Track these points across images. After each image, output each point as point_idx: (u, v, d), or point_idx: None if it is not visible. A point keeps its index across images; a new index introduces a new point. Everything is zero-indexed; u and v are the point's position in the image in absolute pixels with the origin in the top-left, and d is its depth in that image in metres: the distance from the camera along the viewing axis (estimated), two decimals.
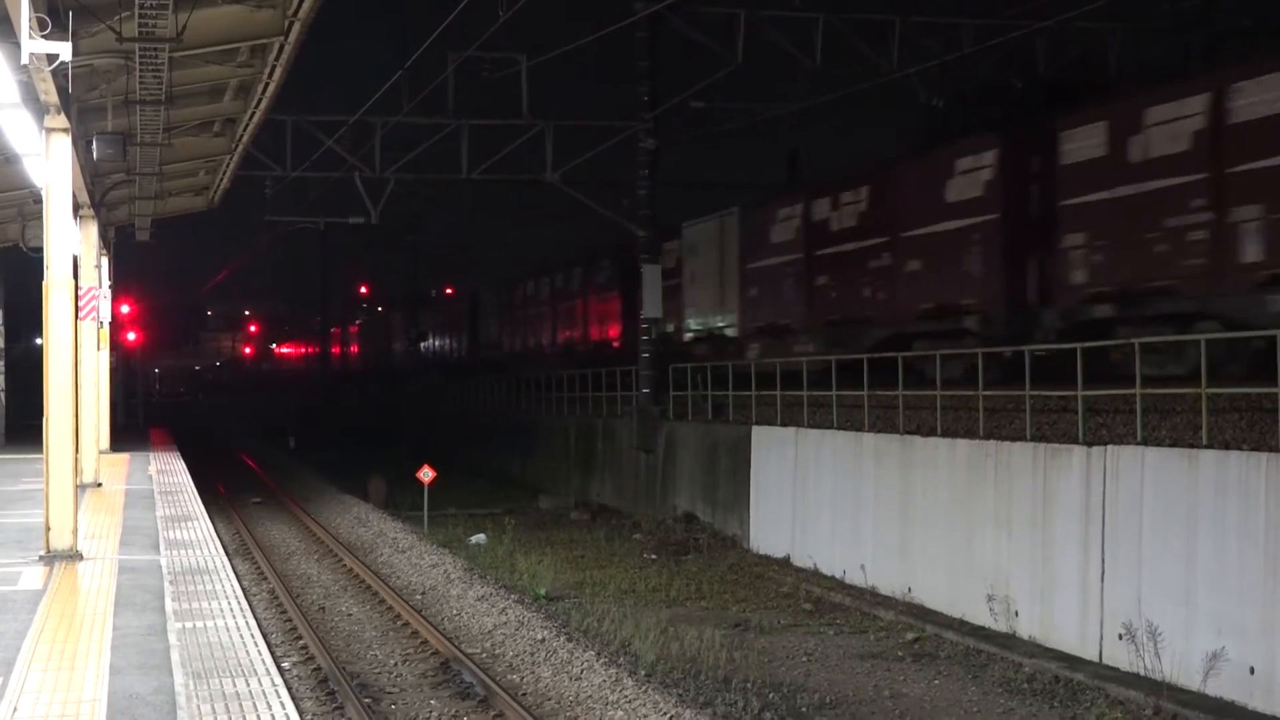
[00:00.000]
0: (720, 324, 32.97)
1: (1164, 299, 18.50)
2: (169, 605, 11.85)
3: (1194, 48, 26.42)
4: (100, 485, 22.89)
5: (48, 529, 14.30)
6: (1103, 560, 15.65)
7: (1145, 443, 15.40)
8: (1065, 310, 20.56)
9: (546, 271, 48.65)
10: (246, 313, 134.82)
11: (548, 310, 48.23)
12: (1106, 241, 19.77)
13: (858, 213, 26.87)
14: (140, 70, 14.53)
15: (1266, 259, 16.80)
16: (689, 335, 34.60)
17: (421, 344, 66.13)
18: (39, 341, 16.45)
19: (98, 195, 23.25)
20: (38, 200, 16.86)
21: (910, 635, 17.74)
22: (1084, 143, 20.25)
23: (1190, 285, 18.10)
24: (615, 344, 40.36)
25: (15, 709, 8.38)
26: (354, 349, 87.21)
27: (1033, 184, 21.63)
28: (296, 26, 15.05)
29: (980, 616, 17.66)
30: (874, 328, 25.67)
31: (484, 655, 16.01)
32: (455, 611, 18.71)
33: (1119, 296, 19.39)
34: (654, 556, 24.81)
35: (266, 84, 18.04)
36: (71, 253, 14.94)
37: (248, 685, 9.31)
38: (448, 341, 63.52)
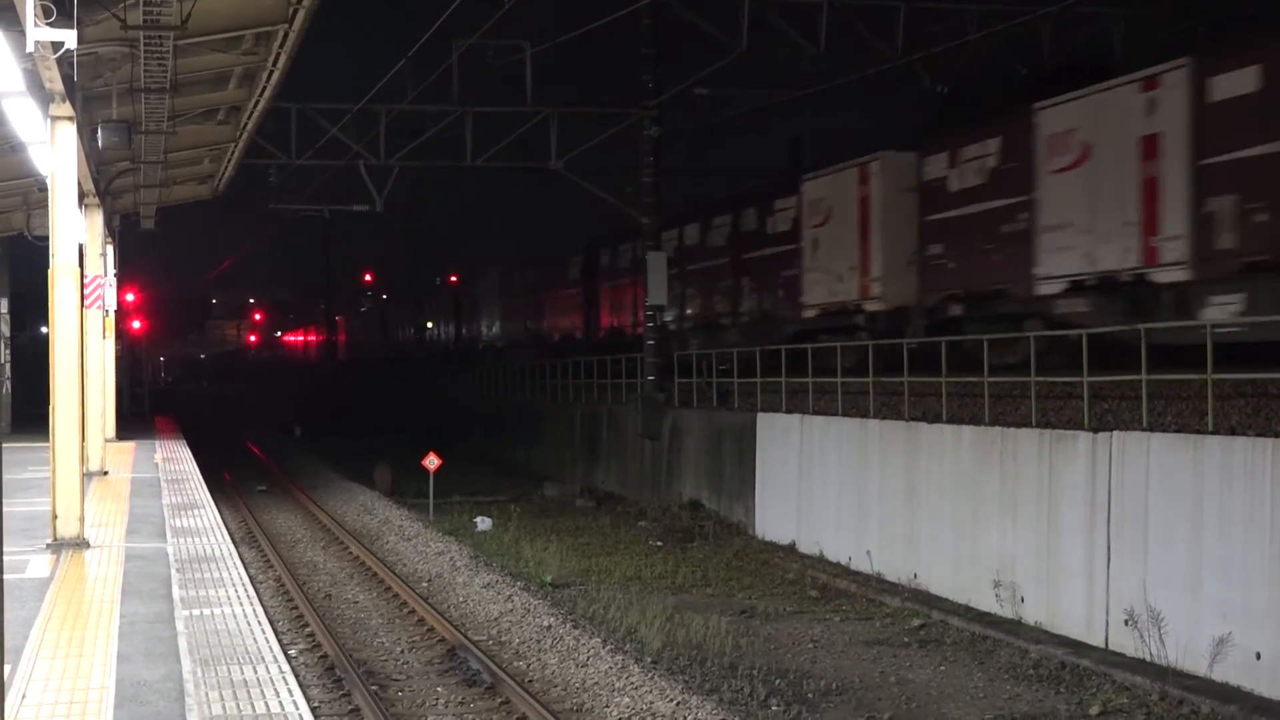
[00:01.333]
0: (495, 335, 55.93)
1: (724, 329, 33.19)
2: (176, 593, 11.89)
3: (1198, 32, 26.31)
4: (106, 473, 22.93)
5: (54, 517, 14.34)
6: (1108, 546, 15.67)
7: (1151, 429, 15.40)
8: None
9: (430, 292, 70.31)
10: (251, 300, 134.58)
11: (422, 321, 69.12)
12: (699, 295, 35.10)
13: (564, 274, 47.24)
14: (145, 58, 14.51)
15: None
16: (481, 344, 57.42)
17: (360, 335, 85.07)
18: (45, 330, 16.45)
19: (103, 183, 23.27)
20: (43, 189, 16.84)
21: (916, 621, 17.76)
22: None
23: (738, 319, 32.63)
24: (450, 347, 63.56)
25: (24, 696, 8.41)
26: (357, 337, 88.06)
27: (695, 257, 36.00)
28: (301, 14, 15.01)
29: (986, 602, 17.68)
30: (573, 344, 43.61)
31: (490, 642, 16.04)
32: (461, 599, 18.74)
33: (702, 325, 34.71)
34: (659, 544, 24.83)
35: (271, 71, 17.98)
36: (77, 241, 14.96)
37: (255, 672, 9.33)
38: (372, 335, 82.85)
